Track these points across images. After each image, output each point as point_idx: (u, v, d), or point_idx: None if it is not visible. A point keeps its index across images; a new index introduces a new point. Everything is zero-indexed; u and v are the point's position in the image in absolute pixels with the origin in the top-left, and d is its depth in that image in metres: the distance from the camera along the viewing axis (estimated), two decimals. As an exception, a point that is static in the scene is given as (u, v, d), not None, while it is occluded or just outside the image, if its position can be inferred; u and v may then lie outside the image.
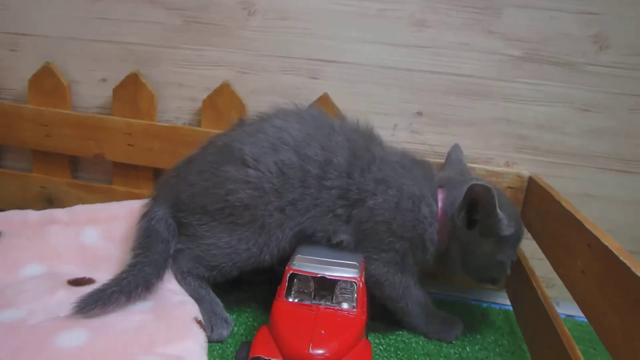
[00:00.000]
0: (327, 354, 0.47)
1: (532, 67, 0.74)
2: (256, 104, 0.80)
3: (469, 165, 0.74)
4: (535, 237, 0.68)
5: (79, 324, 0.51)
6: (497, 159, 0.79)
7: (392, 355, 0.60)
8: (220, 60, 0.80)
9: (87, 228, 0.69)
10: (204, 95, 0.79)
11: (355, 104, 0.78)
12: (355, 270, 0.57)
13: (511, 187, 0.76)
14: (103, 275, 0.61)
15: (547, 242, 0.63)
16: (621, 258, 0.41)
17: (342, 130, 0.64)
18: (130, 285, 0.56)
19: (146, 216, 0.65)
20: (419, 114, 0.79)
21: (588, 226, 0.50)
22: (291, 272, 0.56)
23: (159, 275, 0.59)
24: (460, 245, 0.62)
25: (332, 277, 0.56)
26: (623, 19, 0.71)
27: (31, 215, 0.70)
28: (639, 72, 0.72)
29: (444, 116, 0.78)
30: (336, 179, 0.61)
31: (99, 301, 0.53)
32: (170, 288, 0.60)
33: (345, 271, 0.57)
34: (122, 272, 0.57)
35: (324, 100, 0.77)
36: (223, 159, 0.62)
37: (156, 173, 0.84)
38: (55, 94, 0.82)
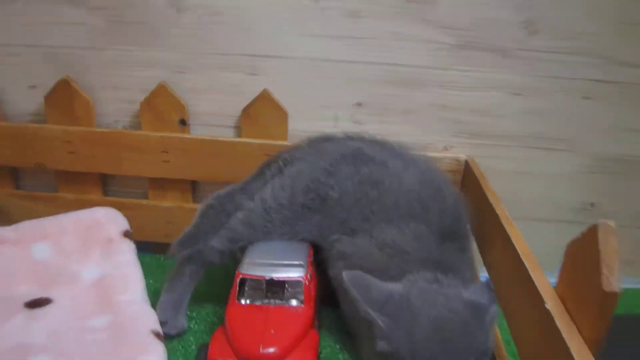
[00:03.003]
0: (277, 351, 0.60)
1: (467, 54, 0.87)
2: (196, 103, 0.90)
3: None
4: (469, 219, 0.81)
5: (42, 350, 0.60)
6: (435, 144, 0.92)
7: (339, 333, 0.75)
8: (153, 60, 0.88)
9: (38, 244, 0.78)
10: (142, 97, 0.88)
11: (296, 98, 0.89)
12: (301, 269, 0.69)
13: (450, 171, 0.90)
14: (60, 292, 0.72)
15: (477, 227, 0.77)
16: (525, 262, 0.53)
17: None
18: None
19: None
20: (359, 104, 0.90)
21: (504, 222, 0.63)
22: (241, 276, 0.69)
23: None
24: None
25: (280, 279, 0.68)
26: (552, 5, 0.83)
27: (-23, 237, 0.78)
28: (566, 56, 0.85)
29: (384, 105, 0.90)
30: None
31: None
32: (129, 299, 0.71)
33: (291, 271, 0.69)
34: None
35: (265, 96, 0.88)
36: (344, 159, 0.75)
37: (102, 177, 0.94)
38: (-18, 105, 0.89)
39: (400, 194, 0.71)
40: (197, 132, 0.92)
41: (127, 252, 0.79)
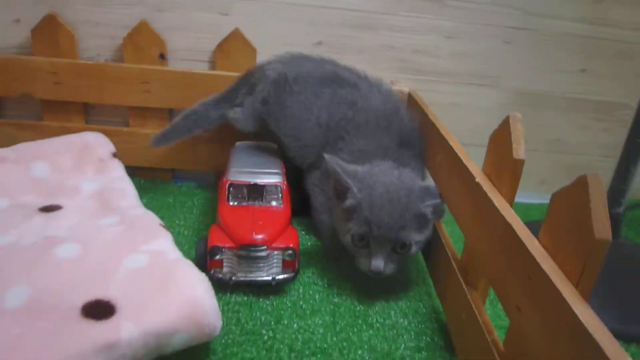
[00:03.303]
0: (266, 237, 0.75)
1: (410, 3, 1.03)
2: (174, 39, 1.01)
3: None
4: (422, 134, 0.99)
5: (68, 239, 0.71)
6: (383, 78, 1.08)
7: (310, 235, 0.92)
8: (134, -1, 0.98)
9: (36, 162, 0.87)
10: (123, 33, 0.97)
11: (264, 37, 1.02)
12: (279, 176, 0.85)
13: (396, 102, 1.08)
14: (66, 202, 0.83)
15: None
16: (459, 155, 0.72)
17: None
18: None
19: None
20: (319, 43, 1.05)
21: (442, 133, 0.81)
22: (229, 182, 0.83)
23: None
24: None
25: (262, 184, 0.83)
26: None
27: (-23, 156, 0.86)
28: (490, 6, 1.03)
29: (340, 45, 1.05)
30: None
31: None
32: (129, 204, 0.83)
33: (271, 177, 0.84)
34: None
35: (236, 34, 1.00)
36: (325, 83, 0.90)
37: (85, 106, 1.03)
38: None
39: (369, 112, 0.87)
40: (175, 65, 1.02)
41: (118, 169, 0.91)
